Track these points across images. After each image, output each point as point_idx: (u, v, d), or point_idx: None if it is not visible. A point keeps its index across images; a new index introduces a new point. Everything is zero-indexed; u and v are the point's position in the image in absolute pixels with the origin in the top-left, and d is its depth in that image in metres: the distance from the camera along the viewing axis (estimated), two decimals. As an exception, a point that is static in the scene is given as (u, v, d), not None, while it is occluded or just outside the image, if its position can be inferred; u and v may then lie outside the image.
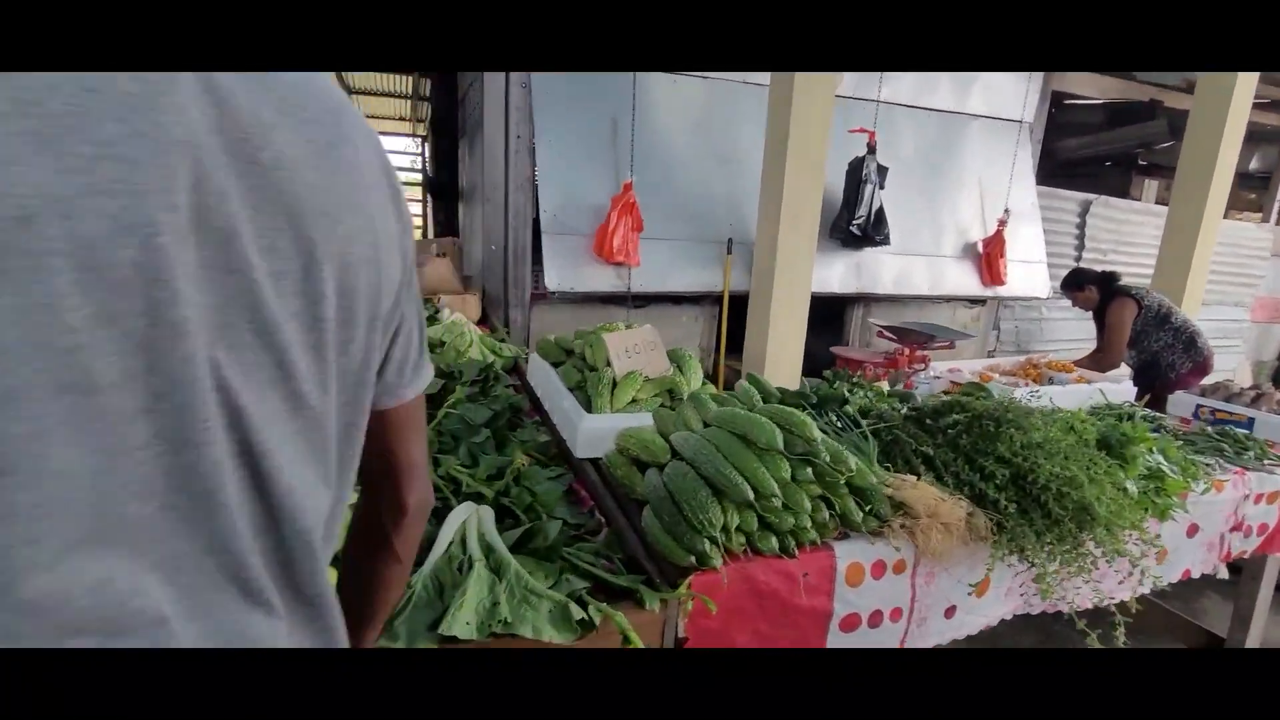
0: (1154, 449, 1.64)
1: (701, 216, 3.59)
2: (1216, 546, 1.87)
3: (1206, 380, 3.25)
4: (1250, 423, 2.98)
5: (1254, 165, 7.33)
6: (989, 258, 4.29)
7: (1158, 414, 2.32)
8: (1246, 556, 2.00)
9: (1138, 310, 3.89)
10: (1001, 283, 4.34)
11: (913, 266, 4.21)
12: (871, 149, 3.74)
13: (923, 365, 2.40)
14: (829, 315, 4.58)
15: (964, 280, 4.37)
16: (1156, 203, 6.31)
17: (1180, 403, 3.25)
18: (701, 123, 3.64)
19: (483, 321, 3.58)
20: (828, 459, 1.25)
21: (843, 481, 1.27)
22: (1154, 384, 3.85)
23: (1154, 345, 3.85)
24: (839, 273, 3.93)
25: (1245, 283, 6.44)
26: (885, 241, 3.79)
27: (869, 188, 3.71)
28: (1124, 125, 6.71)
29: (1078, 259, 5.32)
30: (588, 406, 1.65)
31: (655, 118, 3.51)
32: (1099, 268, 3.97)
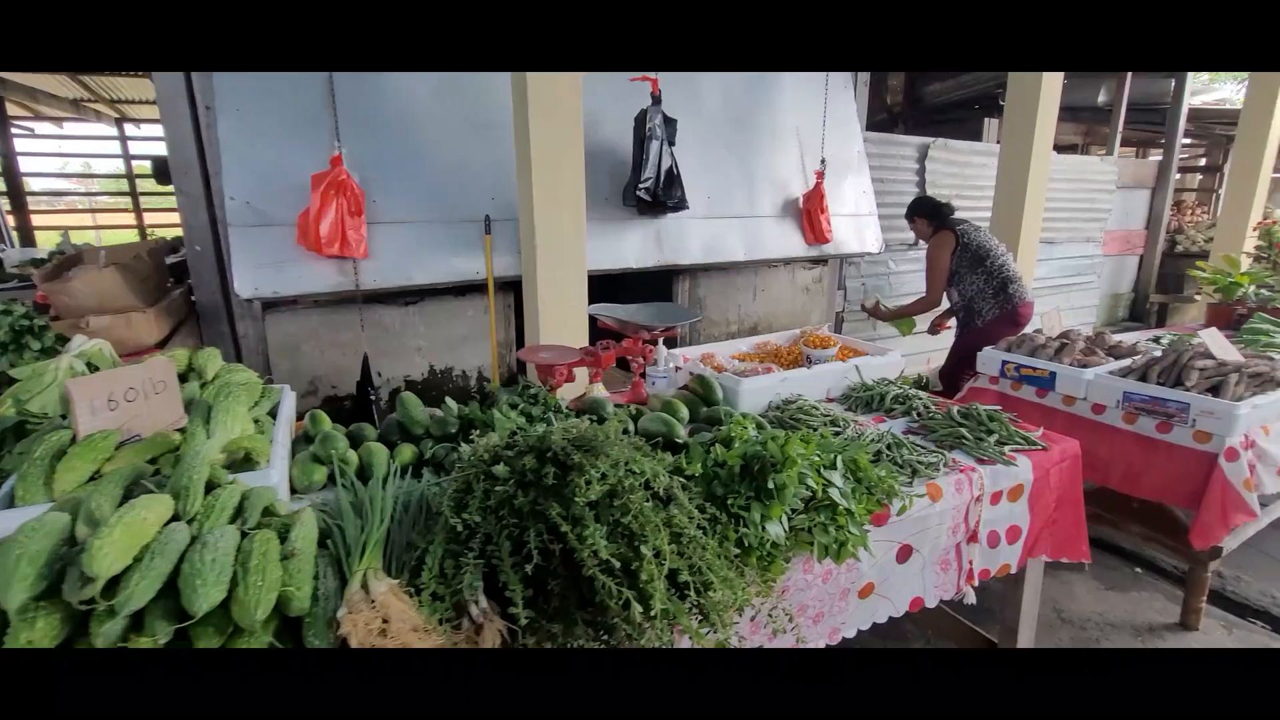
0: (827, 466, 1.23)
1: (455, 192, 3.02)
2: (954, 564, 1.51)
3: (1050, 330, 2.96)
4: (1051, 378, 2.72)
5: (1102, 99, 7.32)
6: (810, 214, 3.92)
7: (912, 393, 1.96)
8: (1012, 571, 1.66)
9: (954, 245, 3.62)
10: (826, 240, 3.98)
11: (726, 231, 3.79)
12: (656, 99, 3.25)
13: (644, 360, 1.95)
14: (656, 293, 4.13)
15: (786, 241, 4.00)
16: (996, 142, 6.14)
17: (989, 360, 2.96)
18: (448, 81, 3.05)
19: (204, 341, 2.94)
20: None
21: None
22: (967, 331, 3.62)
23: (969, 289, 3.59)
24: (635, 245, 3.46)
25: (1095, 217, 6.42)
26: (680, 206, 3.34)
27: (655, 144, 3.23)
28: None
29: (920, 207, 5.08)
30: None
31: (383, 77, 2.90)
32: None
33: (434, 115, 3.01)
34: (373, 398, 2.86)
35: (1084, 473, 2.63)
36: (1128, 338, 3.39)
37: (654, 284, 4.06)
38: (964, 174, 5.28)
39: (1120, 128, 6.44)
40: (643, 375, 2.06)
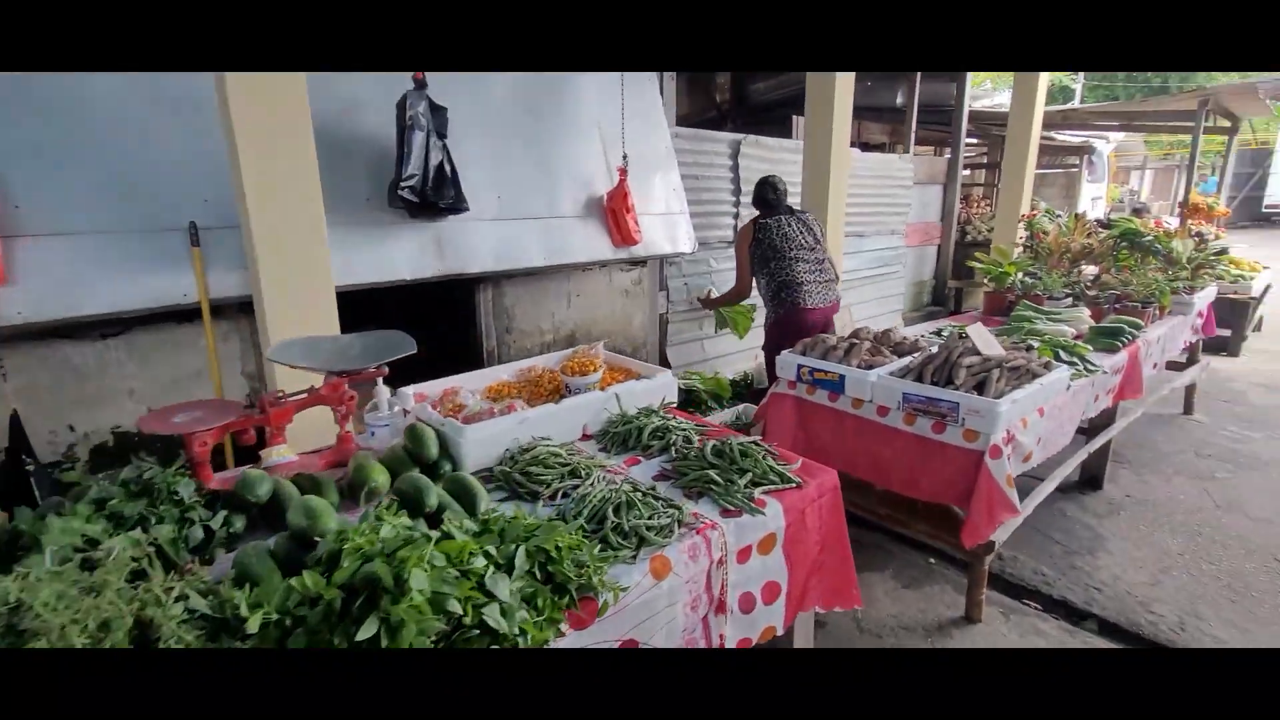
0: (498, 566, 0.91)
1: (147, 194, 2.39)
2: (702, 644, 1.27)
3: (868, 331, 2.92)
4: (841, 381, 2.66)
5: (899, 100, 7.86)
6: (615, 214, 3.67)
7: (672, 425, 1.72)
8: (779, 634, 1.46)
9: (750, 239, 3.59)
10: (634, 240, 3.76)
11: (523, 234, 3.44)
12: (419, 84, 2.81)
13: (345, 410, 1.54)
14: (453, 307, 3.69)
15: (592, 244, 3.73)
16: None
17: (786, 364, 2.87)
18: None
19: None
20: None
21: None
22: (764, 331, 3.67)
23: (759, 287, 3.60)
24: (409, 253, 3.00)
25: (897, 211, 6.86)
26: (457, 207, 2.93)
27: (420, 136, 2.79)
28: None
29: (735, 202, 5.06)
30: None
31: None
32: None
33: (112, 91, 2.35)
34: (29, 468, 2.17)
35: (874, 476, 2.61)
36: (914, 331, 3.51)
37: (447, 297, 3.62)
38: (777, 170, 5.33)
39: (914, 127, 6.92)
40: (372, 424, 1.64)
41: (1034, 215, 7.77)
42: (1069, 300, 3.82)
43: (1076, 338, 3.30)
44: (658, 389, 1.96)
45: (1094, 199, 13.35)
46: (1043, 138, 10.19)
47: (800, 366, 2.72)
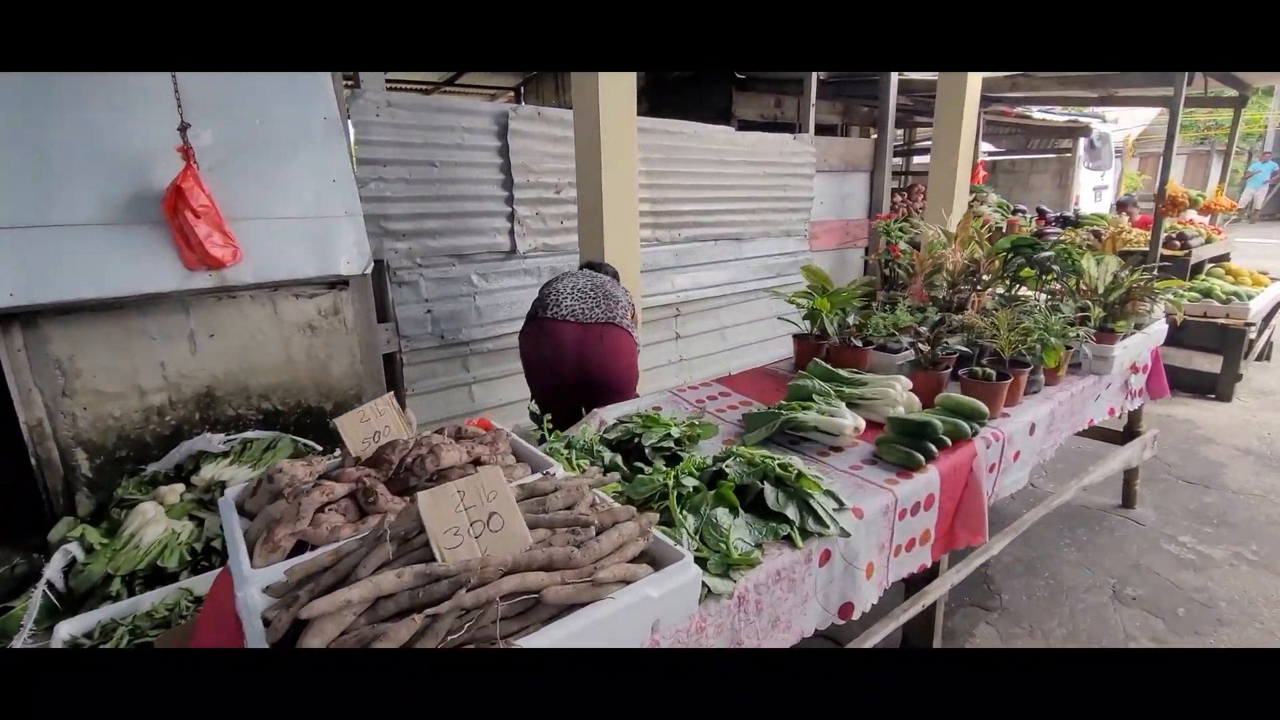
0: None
1: None
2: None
3: None
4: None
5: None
6: (177, 220, 2.37)
7: None
8: None
9: None
10: (218, 261, 2.45)
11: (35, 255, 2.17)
12: None
13: None
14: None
15: (133, 268, 2.42)
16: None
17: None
18: None
19: None
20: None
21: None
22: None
23: None
24: None
25: (793, 207, 5.43)
26: None
27: None
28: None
29: (508, 198, 3.71)
30: None
31: None
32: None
33: None
34: None
35: None
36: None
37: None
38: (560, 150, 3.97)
39: (813, 100, 5.47)
40: None
41: (976, 210, 6.27)
42: (909, 353, 2.43)
43: (864, 434, 1.93)
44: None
45: (1097, 189, 11.61)
46: (1020, 116, 8.60)
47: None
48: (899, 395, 2.06)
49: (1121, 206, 6.53)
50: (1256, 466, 3.62)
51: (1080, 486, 2.65)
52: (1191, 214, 6.24)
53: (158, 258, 2.44)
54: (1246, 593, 2.55)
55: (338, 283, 3.14)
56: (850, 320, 2.61)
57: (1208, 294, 4.77)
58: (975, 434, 1.95)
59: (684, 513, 1.45)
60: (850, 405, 2.10)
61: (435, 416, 3.67)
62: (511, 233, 3.74)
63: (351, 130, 3.12)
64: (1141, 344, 2.76)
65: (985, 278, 2.85)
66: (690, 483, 1.54)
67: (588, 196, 3.23)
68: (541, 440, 2.41)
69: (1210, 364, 4.78)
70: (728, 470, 1.57)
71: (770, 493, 1.51)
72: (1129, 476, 3.17)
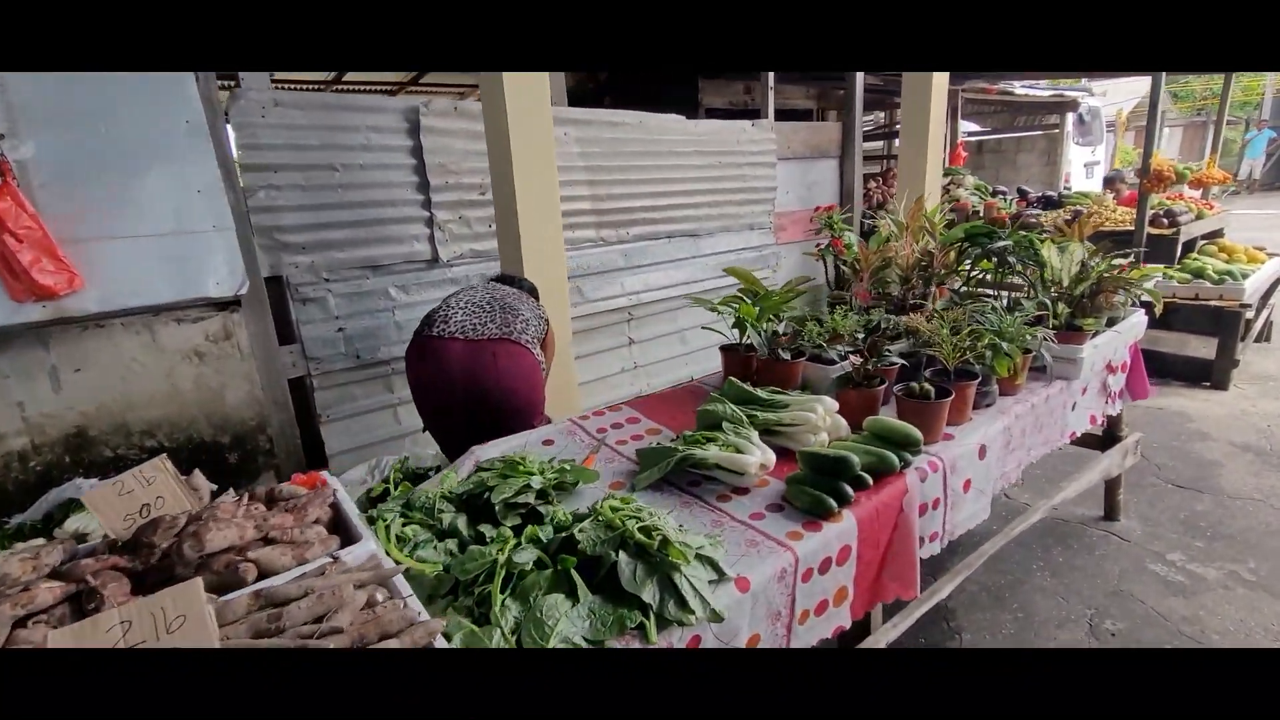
0: None
1: None
2: None
3: None
4: None
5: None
6: (3, 255, 2.06)
7: None
8: None
9: None
10: (48, 291, 2.14)
11: None
12: None
13: None
14: None
15: None
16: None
17: None
18: None
19: None
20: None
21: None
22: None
23: None
24: None
25: (756, 198, 5.10)
26: None
27: None
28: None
29: (425, 201, 3.39)
30: None
31: None
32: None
33: None
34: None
35: None
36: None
37: None
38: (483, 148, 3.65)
39: (772, 84, 5.13)
40: None
41: (953, 193, 5.93)
42: (846, 365, 2.12)
43: (778, 468, 1.63)
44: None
45: (1088, 165, 11.22)
46: (1001, 93, 8.24)
47: None
48: (820, 420, 1.75)
49: (1109, 183, 6.17)
50: (1255, 465, 3.30)
51: (1050, 506, 2.34)
52: (1183, 188, 5.89)
53: (-19, 287, 2.13)
54: (1243, 622, 2.23)
55: (228, 304, 2.83)
56: (781, 329, 2.29)
57: (1199, 274, 4.43)
58: (906, 466, 1.64)
59: (509, 601, 1.15)
60: (767, 433, 1.79)
61: (355, 444, 3.37)
62: (432, 239, 3.43)
63: (232, 134, 2.81)
64: (1117, 340, 2.44)
65: (939, 272, 2.53)
66: (527, 557, 1.23)
67: (502, 199, 2.92)
68: (436, 470, 2.11)
69: (1205, 348, 4.45)
70: (578, 536, 1.27)
71: (625, 567, 1.20)
72: (1111, 485, 2.86)
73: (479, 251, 3.61)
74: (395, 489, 1.70)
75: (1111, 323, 2.43)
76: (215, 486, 1.43)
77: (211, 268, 2.53)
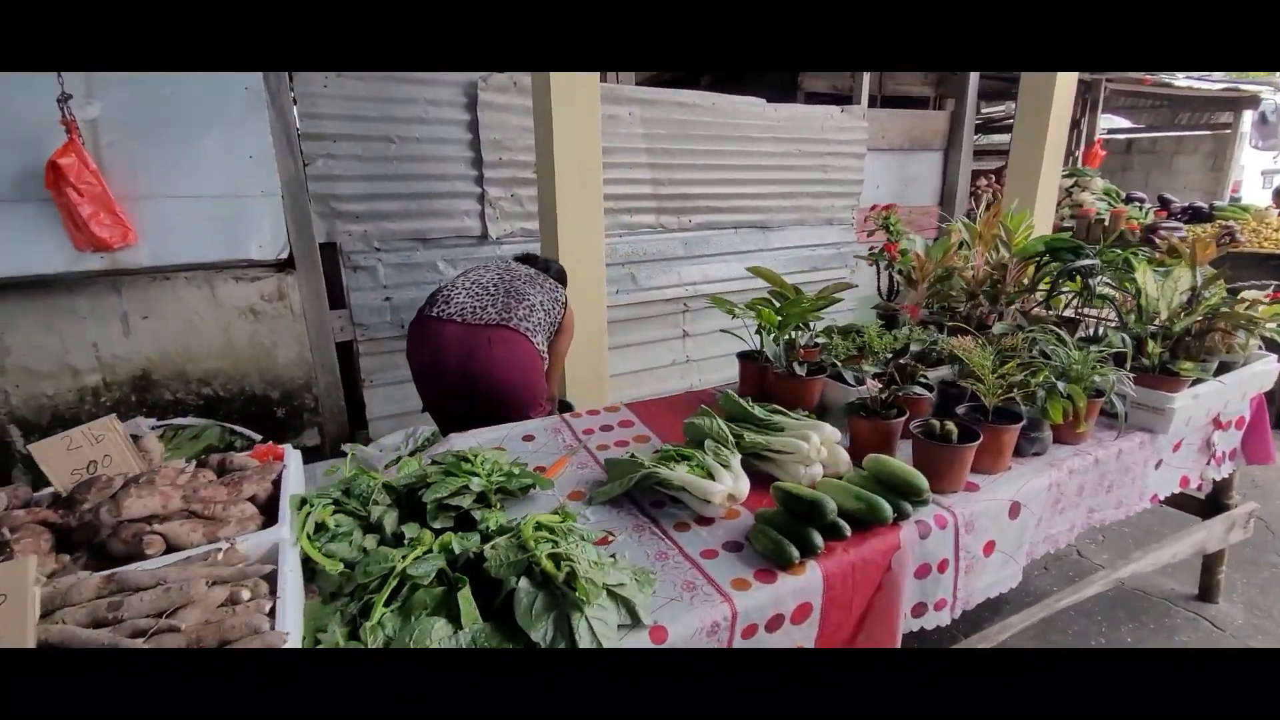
0: None
1: None
2: None
3: None
4: None
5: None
6: (64, 197, 2.23)
7: None
8: None
9: None
10: (108, 244, 2.30)
11: None
12: None
13: None
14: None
15: (22, 250, 2.31)
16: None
17: None
18: None
19: None
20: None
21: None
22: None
23: None
24: None
25: (840, 191, 4.73)
26: None
27: None
28: None
29: (478, 177, 3.37)
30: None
31: None
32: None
33: None
34: None
35: None
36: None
37: None
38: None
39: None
40: None
41: (1077, 197, 5.21)
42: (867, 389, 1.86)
43: (750, 500, 1.44)
44: None
45: (1267, 173, 9.59)
46: (1157, 83, 7.15)
47: None
48: (812, 451, 1.54)
49: (1278, 195, 5.19)
50: None
51: (1116, 578, 1.97)
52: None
53: (46, 238, 2.33)
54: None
55: (283, 265, 2.97)
56: (803, 340, 2.06)
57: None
58: (903, 518, 1.40)
59: (389, 616, 1.07)
60: (752, 458, 1.60)
61: (397, 410, 3.47)
62: (482, 215, 3.43)
63: (296, 102, 2.90)
64: (1228, 391, 1.99)
65: (1010, 290, 2.18)
66: (428, 569, 1.14)
67: (544, 180, 2.84)
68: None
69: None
70: (488, 554, 1.16)
71: (523, 597, 1.09)
72: (1210, 561, 2.38)
73: (529, 230, 3.57)
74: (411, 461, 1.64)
75: (1225, 368, 1.99)
76: (165, 450, 1.46)
77: (255, 231, 2.64)
